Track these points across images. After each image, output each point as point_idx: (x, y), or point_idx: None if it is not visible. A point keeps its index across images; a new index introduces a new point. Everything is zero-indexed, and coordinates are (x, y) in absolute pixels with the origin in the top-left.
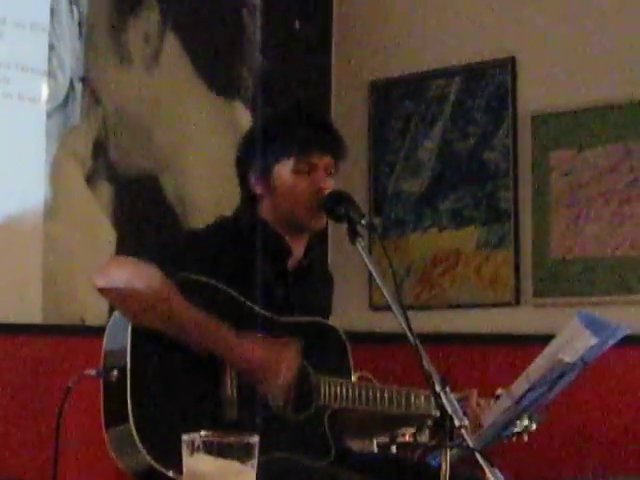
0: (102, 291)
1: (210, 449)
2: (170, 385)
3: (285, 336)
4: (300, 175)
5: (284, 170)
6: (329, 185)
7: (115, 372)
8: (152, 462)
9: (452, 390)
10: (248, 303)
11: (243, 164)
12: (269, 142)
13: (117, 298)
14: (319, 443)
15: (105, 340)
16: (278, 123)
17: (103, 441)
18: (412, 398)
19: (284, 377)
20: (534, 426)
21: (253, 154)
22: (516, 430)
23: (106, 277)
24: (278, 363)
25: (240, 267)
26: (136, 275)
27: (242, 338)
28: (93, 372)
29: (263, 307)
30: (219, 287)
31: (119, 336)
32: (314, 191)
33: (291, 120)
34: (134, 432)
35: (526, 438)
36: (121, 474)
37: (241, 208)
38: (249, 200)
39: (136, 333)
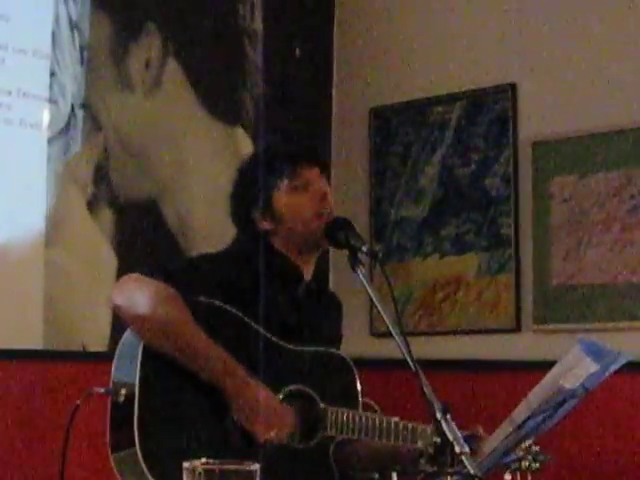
0: (119, 308)
1: (211, 477)
2: (177, 410)
3: (295, 364)
4: (297, 192)
5: (281, 193)
6: (328, 190)
7: (123, 391)
8: None
9: (454, 419)
10: (260, 330)
11: (243, 206)
12: (262, 176)
13: (134, 318)
14: (323, 473)
15: (115, 359)
16: (264, 158)
17: (108, 461)
18: (418, 431)
19: (281, 431)
20: (538, 465)
21: (250, 194)
22: (520, 465)
23: (125, 295)
24: (278, 416)
25: (251, 292)
26: (156, 297)
27: (251, 379)
28: (102, 390)
29: (274, 331)
30: (232, 312)
31: (130, 356)
32: (316, 202)
33: (273, 149)
34: (140, 457)
35: (530, 478)
36: None
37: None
38: (257, 239)
39: (146, 356)
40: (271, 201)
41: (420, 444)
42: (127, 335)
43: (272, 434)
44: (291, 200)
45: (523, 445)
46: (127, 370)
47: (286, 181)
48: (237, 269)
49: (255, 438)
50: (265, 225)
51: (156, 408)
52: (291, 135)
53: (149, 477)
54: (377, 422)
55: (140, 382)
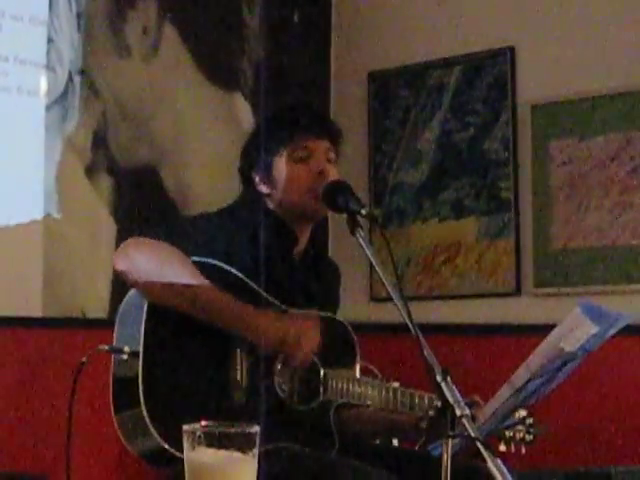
0: (123, 274)
1: (211, 440)
2: (181, 369)
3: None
4: (298, 163)
5: (282, 161)
6: (329, 169)
7: (127, 349)
8: (164, 445)
9: (455, 382)
10: (261, 292)
11: (246, 168)
12: (266, 140)
13: (139, 281)
14: (324, 435)
15: (117, 321)
16: (271, 121)
17: (112, 422)
18: (416, 398)
19: (307, 346)
20: (532, 437)
21: (253, 156)
22: (515, 436)
23: (128, 259)
24: (300, 334)
25: (248, 252)
26: (158, 255)
27: (264, 313)
28: (106, 347)
29: (269, 292)
30: (234, 274)
31: (132, 318)
32: (314, 176)
33: (282, 114)
34: (146, 415)
35: (524, 450)
36: (131, 454)
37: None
38: (255, 201)
39: (150, 315)
40: (271, 166)
41: (417, 409)
42: (129, 297)
43: (297, 359)
44: (289, 170)
45: (518, 416)
46: (130, 331)
47: (288, 150)
48: (234, 228)
49: (293, 361)
50: (263, 188)
51: (160, 365)
52: (299, 101)
53: (155, 435)
54: (376, 387)
55: (144, 341)
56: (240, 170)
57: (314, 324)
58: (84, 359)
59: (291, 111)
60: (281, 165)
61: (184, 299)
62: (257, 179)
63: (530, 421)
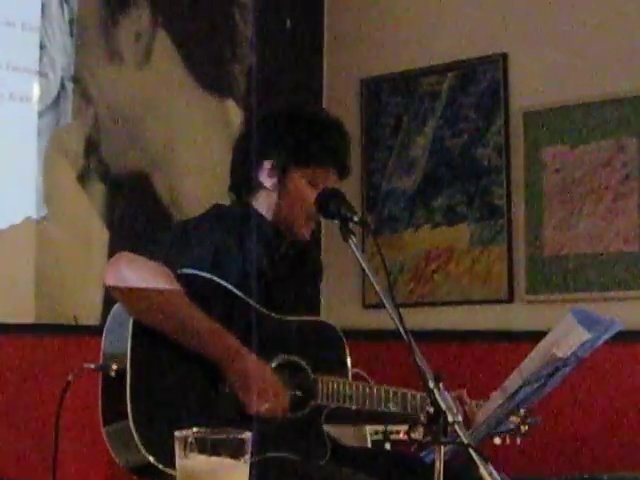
0: (111, 289)
1: (203, 446)
2: (169, 382)
3: (285, 334)
4: (312, 187)
5: (300, 178)
6: None
7: (114, 366)
8: (151, 460)
9: (445, 387)
10: (248, 300)
11: (256, 148)
12: (293, 140)
13: (127, 298)
14: (315, 443)
15: (105, 333)
16: (303, 121)
17: (101, 435)
18: (408, 398)
19: (274, 406)
20: (527, 429)
21: (271, 144)
22: (509, 428)
23: (117, 275)
24: (266, 390)
25: (234, 256)
26: (148, 276)
27: (244, 351)
28: (92, 366)
29: (253, 298)
30: (221, 284)
31: (120, 330)
32: (312, 208)
33: (318, 124)
34: (133, 430)
35: (519, 441)
36: (118, 467)
37: (235, 190)
38: (246, 185)
39: (137, 329)
40: (288, 171)
41: (409, 408)
42: (116, 309)
43: (265, 406)
44: (302, 189)
45: (514, 419)
46: (118, 343)
47: (310, 171)
48: (215, 230)
49: (247, 409)
50: (266, 181)
51: (148, 380)
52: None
53: (141, 449)
54: (367, 390)
55: (131, 355)
56: (245, 148)
57: (283, 392)
58: (70, 377)
59: (327, 127)
60: (297, 180)
61: (169, 325)
62: (266, 170)
63: (524, 412)
